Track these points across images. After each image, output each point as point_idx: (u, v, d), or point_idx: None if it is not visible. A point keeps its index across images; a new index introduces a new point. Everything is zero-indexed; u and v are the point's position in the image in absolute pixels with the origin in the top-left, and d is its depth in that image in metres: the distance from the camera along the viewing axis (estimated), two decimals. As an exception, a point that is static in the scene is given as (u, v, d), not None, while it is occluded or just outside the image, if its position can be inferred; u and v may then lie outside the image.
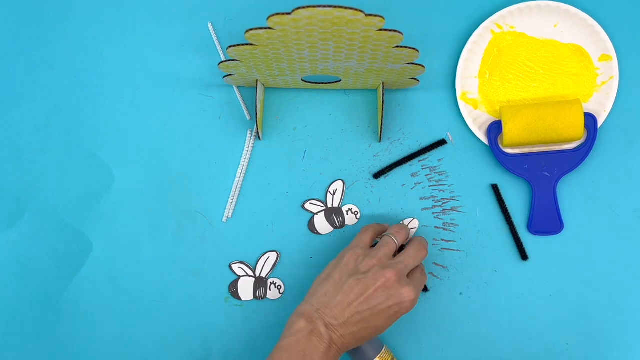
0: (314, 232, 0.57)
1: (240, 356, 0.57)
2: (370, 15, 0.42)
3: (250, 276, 0.57)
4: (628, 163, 0.57)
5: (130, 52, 0.60)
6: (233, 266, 0.57)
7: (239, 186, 0.58)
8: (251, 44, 0.47)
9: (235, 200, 0.57)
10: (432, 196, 0.57)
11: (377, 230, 0.54)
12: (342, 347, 0.48)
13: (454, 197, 0.57)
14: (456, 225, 0.57)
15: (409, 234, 0.54)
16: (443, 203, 0.57)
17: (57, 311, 0.57)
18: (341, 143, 0.58)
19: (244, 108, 0.59)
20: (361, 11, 0.42)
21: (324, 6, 0.41)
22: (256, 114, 0.55)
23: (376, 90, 0.59)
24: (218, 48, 0.59)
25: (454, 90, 0.58)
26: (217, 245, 0.57)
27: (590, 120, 0.56)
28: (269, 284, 0.57)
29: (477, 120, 0.57)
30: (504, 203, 0.57)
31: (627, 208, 0.57)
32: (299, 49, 0.48)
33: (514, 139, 0.55)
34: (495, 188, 0.57)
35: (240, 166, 0.58)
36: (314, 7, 0.41)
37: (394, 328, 0.52)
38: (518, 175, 0.57)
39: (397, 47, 0.47)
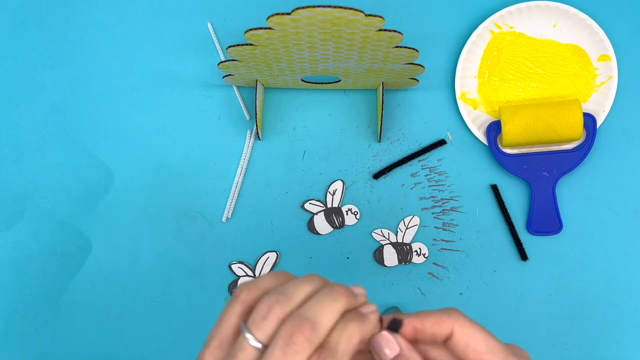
0: (313, 232, 0.57)
1: (239, 356, 0.56)
2: (370, 15, 0.42)
3: (249, 276, 0.57)
4: (627, 163, 0.57)
5: (129, 52, 0.60)
6: (233, 266, 0.57)
7: (238, 186, 0.58)
8: (251, 44, 0.47)
9: (234, 200, 0.57)
10: (431, 196, 0.58)
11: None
12: None
13: (454, 197, 0.58)
14: (456, 225, 0.57)
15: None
16: (443, 203, 0.57)
17: (56, 311, 0.57)
18: (341, 143, 0.58)
19: (243, 108, 0.59)
20: (361, 11, 0.42)
21: (324, 6, 0.41)
22: (256, 114, 0.55)
23: (376, 90, 0.59)
24: (218, 48, 0.59)
25: (454, 90, 0.58)
26: (217, 245, 0.57)
27: (589, 120, 0.56)
28: (268, 284, 0.57)
29: (476, 120, 0.58)
30: (503, 203, 0.57)
31: (626, 208, 0.57)
32: (298, 49, 0.48)
33: (513, 139, 0.55)
34: (494, 188, 0.57)
35: (239, 166, 0.58)
36: (313, 7, 0.41)
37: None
38: (517, 175, 0.57)
39: (397, 47, 0.48)
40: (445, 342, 0.32)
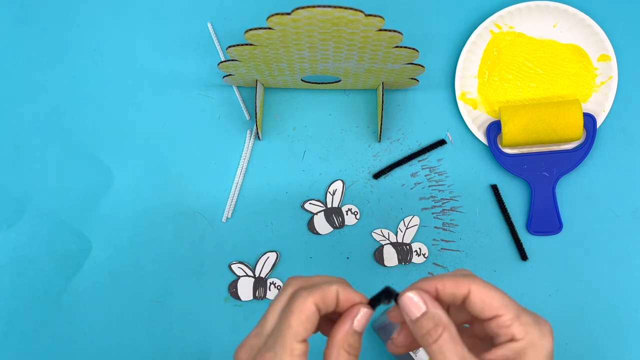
0: (313, 232, 0.57)
1: (239, 356, 0.56)
2: (370, 15, 0.42)
3: (249, 276, 0.57)
4: (627, 163, 0.57)
5: (129, 52, 0.60)
6: (232, 266, 0.57)
7: (238, 186, 0.58)
8: (251, 44, 0.47)
9: (234, 200, 0.57)
10: (431, 196, 0.58)
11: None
12: None
13: (454, 197, 0.58)
14: (456, 225, 0.57)
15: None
16: (443, 203, 0.57)
17: (56, 311, 0.57)
18: (341, 143, 0.58)
19: (243, 108, 0.59)
20: (361, 11, 0.42)
21: (324, 6, 0.41)
22: (256, 114, 0.55)
23: (376, 90, 0.59)
24: (218, 48, 0.59)
25: (454, 90, 0.58)
26: (217, 245, 0.57)
27: (589, 120, 0.56)
28: (268, 284, 0.57)
29: (476, 120, 0.58)
30: (503, 203, 0.57)
31: (626, 208, 0.57)
32: (298, 49, 0.48)
33: (512, 139, 0.55)
34: (494, 188, 0.57)
35: (239, 166, 0.58)
36: (313, 7, 0.41)
37: (393, 328, 0.52)
38: (517, 175, 0.57)
39: (397, 47, 0.48)
40: (463, 303, 0.34)
